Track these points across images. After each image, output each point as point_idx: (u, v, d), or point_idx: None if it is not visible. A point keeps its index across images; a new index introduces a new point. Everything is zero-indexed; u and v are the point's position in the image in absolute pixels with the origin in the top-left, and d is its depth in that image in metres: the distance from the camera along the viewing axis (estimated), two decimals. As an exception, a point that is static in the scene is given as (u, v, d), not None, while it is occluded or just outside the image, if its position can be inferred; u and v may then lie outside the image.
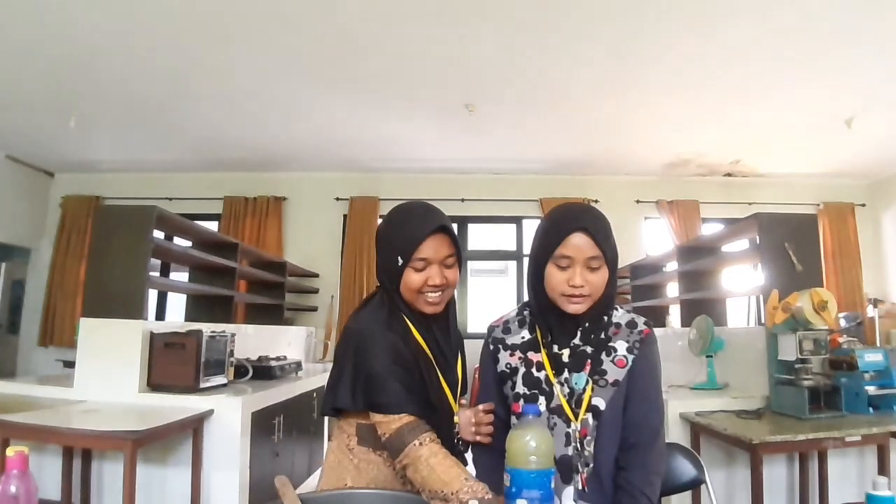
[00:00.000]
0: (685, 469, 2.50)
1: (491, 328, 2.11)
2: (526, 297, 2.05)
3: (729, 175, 10.05)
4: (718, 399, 4.48)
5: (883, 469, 3.91)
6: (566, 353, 1.92)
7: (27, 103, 7.18)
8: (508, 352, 2.01)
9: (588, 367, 1.90)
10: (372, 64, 6.14)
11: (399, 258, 1.89)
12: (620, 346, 1.93)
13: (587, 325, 1.93)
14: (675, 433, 4.29)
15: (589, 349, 1.92)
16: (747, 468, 3.74)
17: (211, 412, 4.24)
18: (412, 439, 1.78)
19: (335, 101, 7.10)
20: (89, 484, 4.27)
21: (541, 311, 1.97)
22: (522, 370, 1.95)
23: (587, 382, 1.88)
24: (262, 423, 4.68)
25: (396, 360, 1.89)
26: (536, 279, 1.94)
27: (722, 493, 4.21)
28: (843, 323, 8.44)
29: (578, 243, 1.85)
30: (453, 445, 1.94)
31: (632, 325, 1.98)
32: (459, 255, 1.99)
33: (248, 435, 4.41)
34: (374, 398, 1.85)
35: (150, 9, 5.06)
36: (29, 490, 1.32)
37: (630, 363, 1.91)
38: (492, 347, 2.05)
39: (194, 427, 4.13)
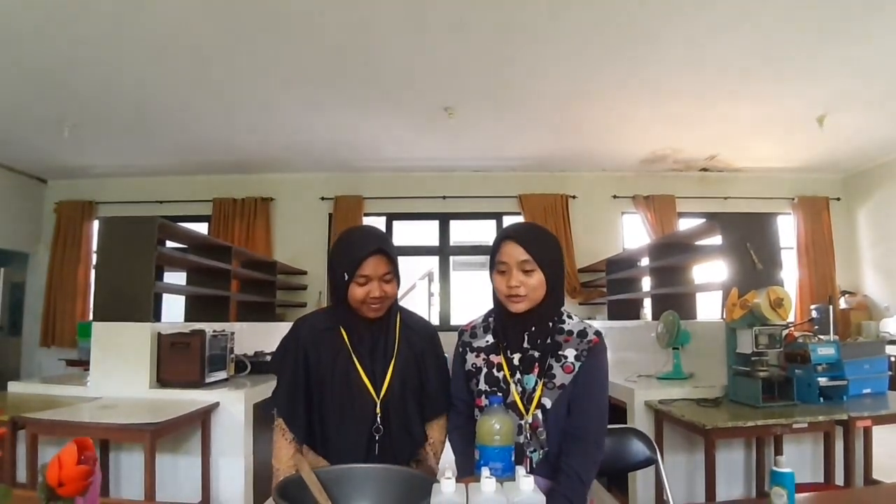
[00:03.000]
0: (640, 450, 2.83)
1: (461, 332, 2.44)
2: None
3: (705, 170, 10.24)
4: (682, 388, 4.68)
5: (829, 453, 4.14)
6: (517, 357, 2.24)
7: (19, 113, 7.38)
8: (474, 353, 2.33)
9: (536, 370, 2.19)
10: (354, 69, 6.36)
11: (345, 275, 2.26)
12: (570, 354, 2.21)
13: (533, 329, 2.24)
14: (640, 420, 4.53)
15: (536, 354, 2.22)
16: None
17: (217, 405, 4.54)
18: (277, 414, 2.41)
19: (320, 104, 7.31)
20: (107, 472, 4.51)
21: (498, 318, 2.32)
22: (485, 370, 2.26)
23: (536, 383, 2.18)
24: (262, 414, 4.91)
25: (284, 354, 2.43)
26: (493, 290, 2.29)
27: (683, 475, 4.47)
28: (814, 314, 8.71)
29: (509, 250, 2.19)
30: (370, 426, 2.31)
31: (582, 334, 2.25)
32: (397, 271, 2.34)
33: (251, 425, 4.70)
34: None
35: (140, 20, 5.28)
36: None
37: (577, 369, 2.19)
38: (461, 349, 2.38)
39: (202, 419, 4.42)
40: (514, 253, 2.18)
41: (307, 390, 2.36)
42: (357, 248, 2.27)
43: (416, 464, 2.43)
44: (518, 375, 2.21)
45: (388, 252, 2.29)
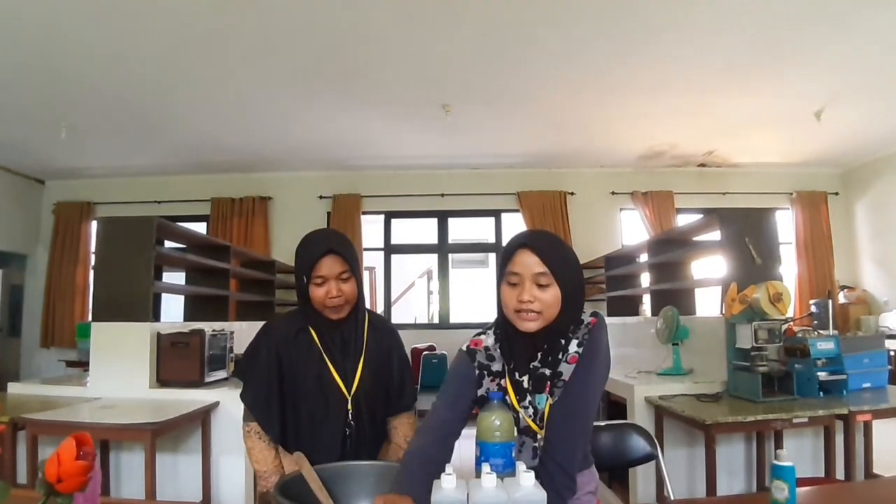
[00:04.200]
0: (640, 446, 2.82)
1: (472, 350, 2.13)
2: None
3: (703, 166, 10.23)
4: (681, 384, 4.71)
5: (830, 448, 4.16)
6: (526, 378, 2.01)
7: (16, 115, 7.39)
8: (491, 377, 2.07)
9: (548, 388, 1.98)
10: (351, 68, 6.37)
11: (304, 277, 2.33)
12: (572, 346, 1.99)
13: (546, 347, 2.00)
14: (640, 415, 4.55)
15: (547, 371, 1.99)
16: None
17: (217, 404, 4.56)
18: (245, 420, 2.44)
19: (316, 103, 7.29)
20: (108, 473, 4.51)
21: (505, 335, 2.06)
22: None
23: (547, 398, 1.97)
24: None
25: (256, 356, 2.44)
26: (499, 303, 2.05)
27: (683, 470, 4.49)
28: (813, 309, 8.71)
29: (524, 260, 1.94)
30: (343, 424, 2.35)
31: (579, 323, 2.03)
32: (354, 270, 2.37)
33: (251, 424, 4.71)
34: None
35: (138, 22, 5.29)
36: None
37: (581, 354, 1.98)
38: (477, 372, 2.08)
39: (202, 418, 4.45)
40: (529, 263, 1.94)
41: (280, 392, 2.39)
42: (311, 250, 2.35)
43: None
44: (529, 398, 2.01)
45: (339, 252, 2.34)
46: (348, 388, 2.37)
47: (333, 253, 2.32)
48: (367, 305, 2.60)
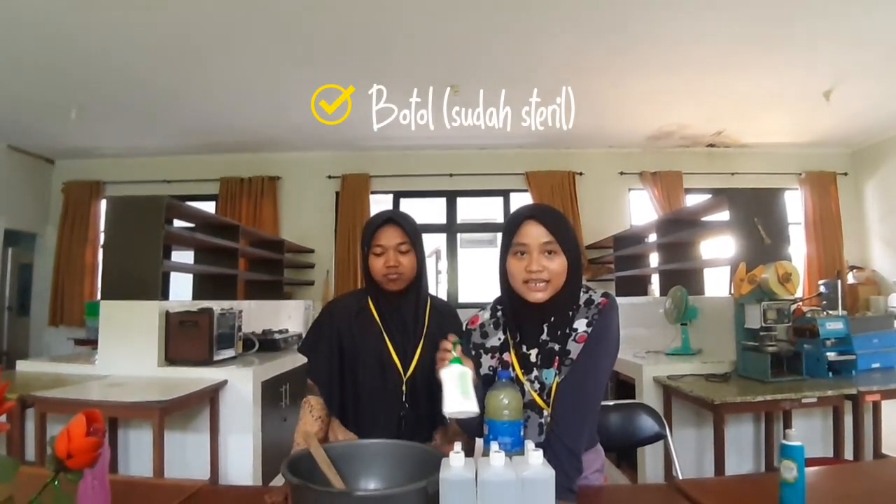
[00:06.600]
0: (649, 425, 2.82)
1: (468, 330, 2.22)
2: None
3: (712, 146, 10.10)
4: (690, 364, 4.72)
5: (839, 428, 4.20)
6: (534, 352, 2.03)
7: (26, 95, 7.35)
8: (489, 355, 2.12)
9: (556, 363, 2.00)
10: (358, 47, 6.31)
11: (364, 248, 2.40)
12: (581, 325, 2.01)
13: (553, 319, 2.03)
14: (649, 395, 4.59)
15: (556, 346, 2.01)
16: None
17: (225, 382, 4.60)
18: (306, 395, 2.48)
19: (325, 83, 7.28)
20: (116, 451, 4.55)
21: (512, 308, 2.09)
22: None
23: (556, 376, 1.99)
24: (270, 391, 5.02)
25: (318, 334, 2.51)
26: (503, 275, 2.08)
27: (692, 450, 4.51)
28: (822, 289, 8.67)
29: (531, 231, 1.98)
30: (399, 404, 2.34)
31: (589, 302, 2.05)
32: (414, 243, 2.40)
33: (259, 402, 4.77)
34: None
35: (148, 3, 5.25)
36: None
37: (589, 335, 2.00)
38: (473, 353, 2.15)
39: (211, 396, 4.48)
40: (536, 233, 1.98)
41: (341, 369, 2.42)
42: (372, 222, 2.42)
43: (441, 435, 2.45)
44: (535, 372, 2.03)
45: (399, 222, 2.36)
46: (405, 369, 2.36)
47: (393, 223, 2.37)
48: None
